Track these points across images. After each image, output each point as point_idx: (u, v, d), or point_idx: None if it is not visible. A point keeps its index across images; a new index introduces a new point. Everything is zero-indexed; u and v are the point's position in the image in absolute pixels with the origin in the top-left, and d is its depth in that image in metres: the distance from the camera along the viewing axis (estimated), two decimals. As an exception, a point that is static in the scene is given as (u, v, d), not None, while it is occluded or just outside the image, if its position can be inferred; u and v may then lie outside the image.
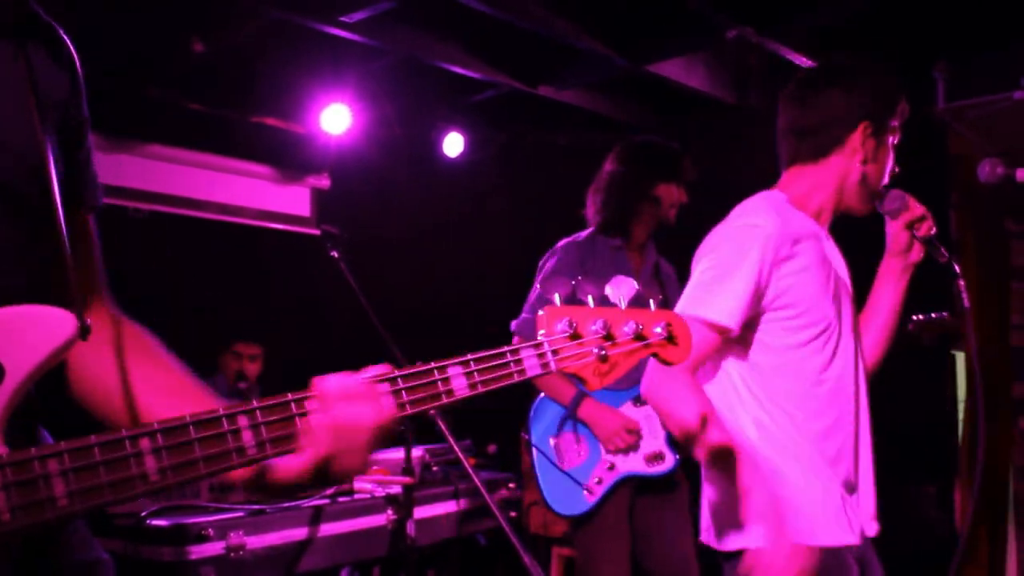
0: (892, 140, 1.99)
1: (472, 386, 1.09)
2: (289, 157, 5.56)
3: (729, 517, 1.86)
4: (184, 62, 4.42)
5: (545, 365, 1.11)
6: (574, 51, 4.56)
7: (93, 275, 1.25)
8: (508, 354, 1.10)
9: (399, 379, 1.07)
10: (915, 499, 4.55)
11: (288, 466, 1.10)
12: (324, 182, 5.80)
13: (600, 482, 3.13)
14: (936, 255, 2.01)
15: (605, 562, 3.14)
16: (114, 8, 4.10)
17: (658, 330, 1.16)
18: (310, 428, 1.05)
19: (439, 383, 1.08)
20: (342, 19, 4.01)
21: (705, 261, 1.93)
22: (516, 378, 1.10)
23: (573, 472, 3.13)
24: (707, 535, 1.96)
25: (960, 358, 4.09)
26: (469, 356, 1.10)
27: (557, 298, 1.13)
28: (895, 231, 2.03)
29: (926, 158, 4.04)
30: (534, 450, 3.19)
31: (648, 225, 3.29)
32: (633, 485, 3.19)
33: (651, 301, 1.17)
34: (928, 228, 2.01)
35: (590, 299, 1.14)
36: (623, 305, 1.15)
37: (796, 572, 1.74)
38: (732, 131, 4.14)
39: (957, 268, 1.97)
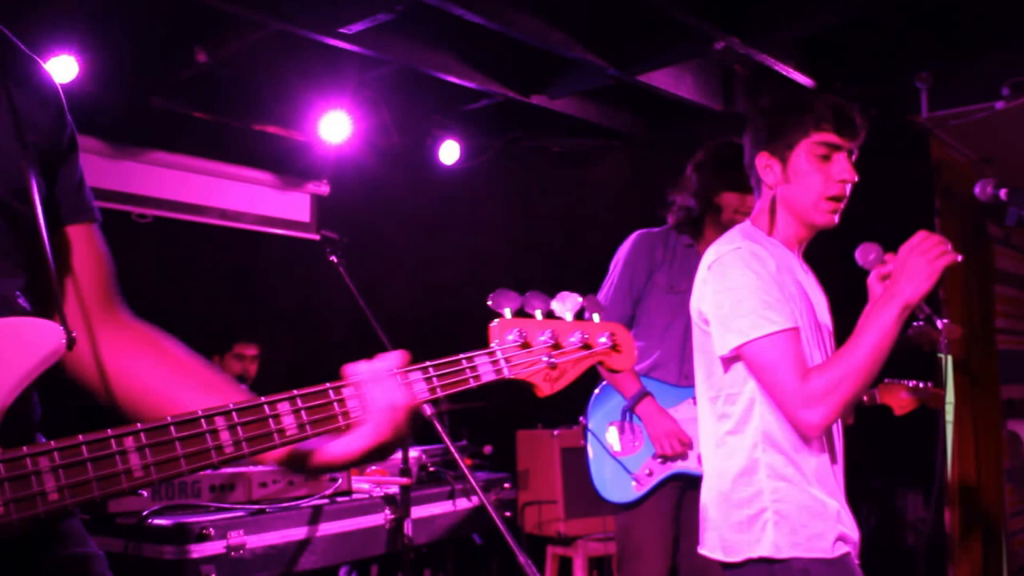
0: (812, 158, 2.04)
1: (432, 390, 1.16)
2: (290, 164, 5.60)
3: (736, 528, 1.98)
4: (188, 71, 4.47)
5: (499, 371, 1.18)
6: (566, 61, 4.60)
7: (99, 285, 1.31)
8: (464, 361, 1.17)
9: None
10: (903, 501, 4.60)
11: (334, 449, 1.17)
12: (324, 188, 5.84)
13: (650, 474, 3.16)
14: (919, 313, 1.98)
15: (646, 552, 3.16)
16: (120, 19, 4.17)
17: (603, 340, 1.23)
18: (360, 410, 1.13)
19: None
20: (341, 30, 4.04)
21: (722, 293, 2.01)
22: (472, 384, 1.17)
23: (625, 460, 3.17)
24: (712, 549, 2.04)
25: (948, 361, 4.14)
26: (428, 363, 1.16)
27: (508, 311, 1.19)
28: (871, 282, 2.05)
29: (910, 165, 4.12)
30: (588, 433, 3.24)
31: (717, 228, 3.33)
32: (683, 481, 3.21)
33: (595, 314, 1.24)
34: None
35: (538, 313, 1.21)
36: (569, 318, 1.22)
37: None
38: (720, 138, 4.21)
39: (939, 323, 2.01)
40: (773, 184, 2.09)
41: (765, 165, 2.10)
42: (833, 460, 2.03)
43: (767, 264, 1.99)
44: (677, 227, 3.38)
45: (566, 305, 1.20)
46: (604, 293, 3.36)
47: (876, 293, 2.01)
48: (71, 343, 1.09)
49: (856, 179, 2.05)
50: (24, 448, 1.00)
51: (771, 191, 2.10)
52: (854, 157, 2.08)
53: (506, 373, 1.18)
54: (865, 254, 2.04)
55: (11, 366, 1.05)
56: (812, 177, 2.05)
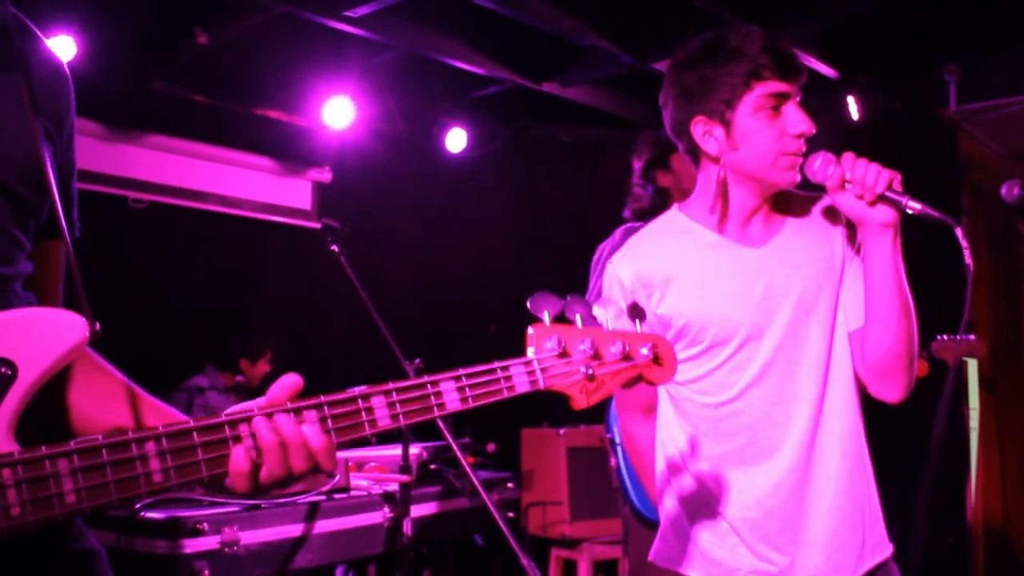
0: (761, 115, 1.72)
1: (463, 400, 1.12)
2: (291, 150, 5.57)
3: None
4: (188, 54, 4.43)
5: (534, 382, 1.13)
6: (579, 48, 4.57)
7: (55, 298, 1.29)
8: (499, 370, 1.13)
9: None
10: (925, 509, 4.50)
11: None
12: (326, 176, 5.80)
13: None
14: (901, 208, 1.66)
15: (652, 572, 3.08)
16: (120, 0, 4.12)
17: (644, 351, 1.18)
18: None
19: (432, 397, 1.11)
20: (346, 13, 4.03)
21: None
22: (506, 394, 1.12)
23: None
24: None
25: (972, 365, 4.03)
26: (461, 371, 1.12)
27: (547, 316, 1.14)
28: (834, 198, 1.72)
29: (937, 161, 4.02)
30: (619, 450, 3.05)
31: None
32: None
33: (636, 322, 1.18)
34: (874, 185, 1.64)
35: (578, 318, 1.15)
36: (610, 326, 1.17)
37: None
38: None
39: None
40: (718, 154, 1.75)
41: (704, 132, 1.75)
42: (737, 468, 1.76)
43: (626, 284, 1.78)
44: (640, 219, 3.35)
45: (608, 311, 1.14)
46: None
47: (848, 208, 1.69)
48: (95, 336, 1.08)
49: (814, 131, 1.72)
50: (43, 449, 0.99)
51: (716, 164, 1.77)
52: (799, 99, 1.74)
53: (541, 384, 1.13)
54: (811, 165, 1.70)
55: (35, 359, 1.05)
56: (764, 137, 1.72)
